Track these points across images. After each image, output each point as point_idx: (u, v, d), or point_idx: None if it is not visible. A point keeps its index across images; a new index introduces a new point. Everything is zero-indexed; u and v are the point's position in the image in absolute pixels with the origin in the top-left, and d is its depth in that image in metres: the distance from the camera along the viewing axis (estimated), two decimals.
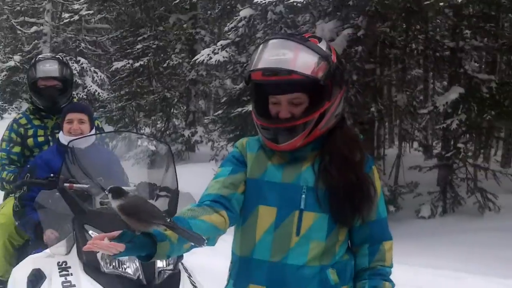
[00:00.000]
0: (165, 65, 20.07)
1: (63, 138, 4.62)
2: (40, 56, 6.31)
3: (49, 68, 5.64)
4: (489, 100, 12.93)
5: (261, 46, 2.56)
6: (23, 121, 5.62)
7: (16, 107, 29.93)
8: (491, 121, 13.53)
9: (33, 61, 6.09)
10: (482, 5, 13.01)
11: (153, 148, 4.49)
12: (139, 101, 20.36)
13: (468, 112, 12.67)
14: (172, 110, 20.65)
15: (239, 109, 13.70)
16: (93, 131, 4.75)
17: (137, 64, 19.88)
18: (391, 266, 2.61)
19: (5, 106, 31.59)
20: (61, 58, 6.09)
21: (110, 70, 21.94)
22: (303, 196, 2.49)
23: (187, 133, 19.62)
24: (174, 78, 20.68)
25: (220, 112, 16.16)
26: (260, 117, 2.55)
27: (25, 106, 15.17)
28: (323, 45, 2.55)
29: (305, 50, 2.47)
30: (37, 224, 4.33)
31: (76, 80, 18.22)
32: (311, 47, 2.49)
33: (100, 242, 2.08)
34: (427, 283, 7.70)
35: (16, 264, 4.27)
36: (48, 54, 7.66)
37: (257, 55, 2.52)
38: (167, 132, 19.92)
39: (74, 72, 17.39)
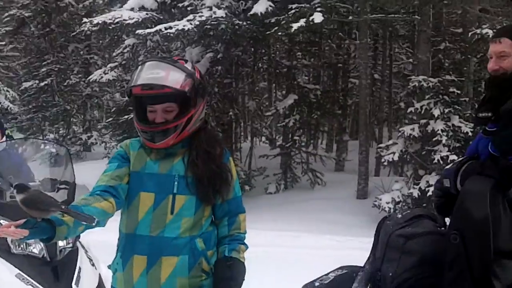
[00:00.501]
0: (65, 83, 19.54)
1: None
2: None
3: None
4: (315, 104, 13.40)
5: (139, 67, 2.51)
6: None
7: None
8: (318, 119, 14.05)
9: None
10: (309, 34, 13.43)
11: (54, 150, 4.28)
12: (44, 113, 19.73)
13: (301, 113, 13.10)
14: (71, 119, 20.23)
15: (126, 117, 13.47)
16: (4, 139, 4.48)
17: (42, 84, 19.27)
18: (245, 233, 2.62)
19: None
20: None
21: (20, 89, 21.07)
22: (176, 183, 2.45)
23: (84, 137, 19.34)
24: (73, 94, 20.08)
25: (110, 119, 15.88)
26: (140, 122, 2.49)
27: None
28: (189, 65, 2.54)
29: (175, 70, 2.44)
30: None
31: None
32: (180, 67, 2.47)
33: (7, 229, 2.00)
34: (274, 242, 7.85)
35: None
36: None
37: (136, 74, 2.47)
38: (68, 137, 19.50)
39: None
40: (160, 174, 2.47)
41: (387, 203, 10.09)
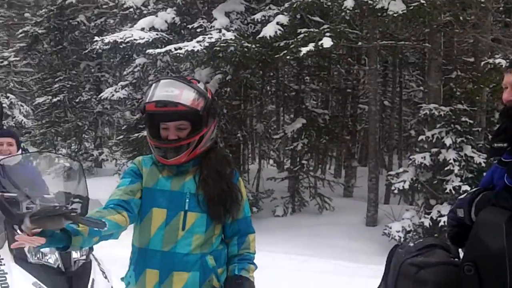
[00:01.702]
0: (77, 100, 19.77)
1: None
2: None
3: None
4: (324, 128, 13.38)
5: (154, 84, 2.54)
6: None
7: None
8: (326, 144, 14.03)
9: None
10: (317, 58, 13.49)
11: (68, 165, 4.33)
12: (57, 128, 20.06)
13: (309, 137, 13.05)
14: (83, 135, 20.44)
15: (136, 134, 13.46)
16: (20, 152, 4.55)
17: (55, 100, 19.60)
18: (254, 253, 2.64)
19: None
20: None
21: (33, 104, 21.43)
22: (187, 200, 2.48)
23: (95, 153, 19.54)
24: (84, 111, 20.29)
25: (121, 137, 15.87)
26: (154, 138, 2.52)
27: None
28: (201, 86, 2.57)
29: (188, 89, 2.48)
30: None
31: (6, 112, 17.67)
32: (193, 86, 2.51)
33: (25, 237, 2.03)
34: (282, 264, 7.83)
35: None
36: None
37: (151, 91, 2.50)
38: (80, 153, 19.67)
39: (4, 105, 16.95)
40: (172, 191, 2.50)
41: (397, 231, 9.84)
